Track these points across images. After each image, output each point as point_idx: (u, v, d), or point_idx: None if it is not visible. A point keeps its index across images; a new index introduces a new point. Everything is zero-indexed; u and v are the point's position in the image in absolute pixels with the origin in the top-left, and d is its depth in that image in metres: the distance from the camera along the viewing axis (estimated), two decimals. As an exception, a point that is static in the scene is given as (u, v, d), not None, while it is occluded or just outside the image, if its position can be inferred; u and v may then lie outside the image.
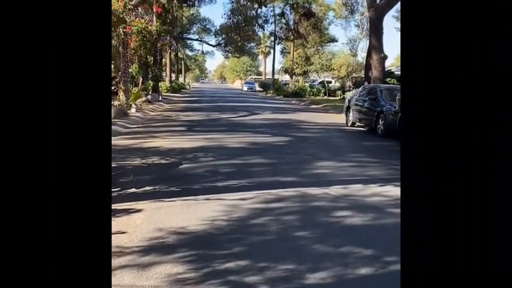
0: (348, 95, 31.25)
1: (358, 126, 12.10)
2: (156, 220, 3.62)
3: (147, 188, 4.65)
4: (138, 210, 3.86)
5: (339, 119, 15.17)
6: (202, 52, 56.78)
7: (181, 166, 5.86)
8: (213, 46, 48.57)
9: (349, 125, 12.34)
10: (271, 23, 31.37)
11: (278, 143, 8.40)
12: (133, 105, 14.88)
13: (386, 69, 23.43)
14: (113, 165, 5.78)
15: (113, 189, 4.53)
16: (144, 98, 19.72)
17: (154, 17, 24.44)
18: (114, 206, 3.89)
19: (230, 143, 8.13)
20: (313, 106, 23.60)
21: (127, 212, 3.82)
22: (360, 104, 11.62)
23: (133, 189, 4.56)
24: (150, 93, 21.78)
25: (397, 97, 9.28)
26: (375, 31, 20.74)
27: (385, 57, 21.37)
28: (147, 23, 23.71)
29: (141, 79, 21.94)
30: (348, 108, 12.57)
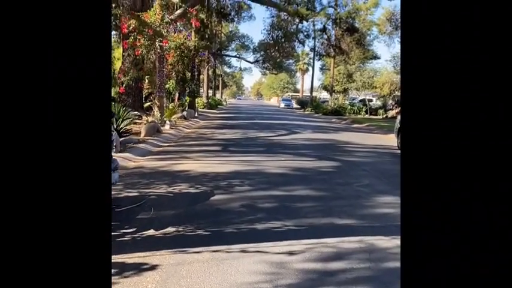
0: (396, 115, 29.66)
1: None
2: (173, 286, 2.63)
3: (169, 229, 3.70)
4: (153, 267, 2.90)
5: (387, 140, 13.83)
6: (240, 69, 56.70)
7: (212, 198, 4.89)
8: (251, 63, 48.36)
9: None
10: (312, 38, 30.43)
11: (325, 168, 7.29)
12: (167, 122, 14.26)
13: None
14: (134, 194, 4.91)
15: (128, 230, 3.62)
16: (179, 114, 19.21)
17: (192, 32, 24.22)
18: (124, 258, 2.96)
19: (269, 168, 7.11)
20: (356, 125, 22.25)
21: (138, 268, 2.86)
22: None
23: (151, 231, 3.63)
24: (186, 109, 21.30)
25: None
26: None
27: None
28: (185, 38, 23.53)
29: (177, 95, 21.48)
30: (400, 129, 11.26)
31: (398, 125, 11.52)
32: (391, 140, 13.75)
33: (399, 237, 3.90)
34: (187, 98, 24.37)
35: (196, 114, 23.02)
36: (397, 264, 3.10)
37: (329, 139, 12.99)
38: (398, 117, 12.67)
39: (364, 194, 5.35)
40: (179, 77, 23.67)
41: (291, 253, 3.24)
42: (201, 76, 36.02)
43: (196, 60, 26.74)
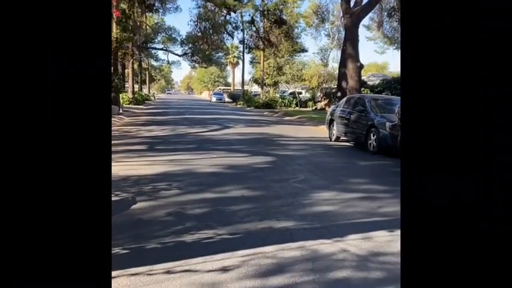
0: (324, 107, 30.47)
1: (342, 141, 10.85)
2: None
3: (77, 251, 3.04)
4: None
5: (319, 132, 13.93)
6: (168, 62, 54.71)
7: (134, 206, 4.26)
8: (179, 56, 46.82)
9: (333, 139, 11.07)
10: (241, 30, 30.08)
11: (259, 164, 6.92)
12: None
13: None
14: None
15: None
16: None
17: (114, 23, 22.60)
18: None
19: (200, 167, 6.58)
20: (287, 118, 22.40)
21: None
22: (345, 116, 10.37)
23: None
24: (109, 105, 19.80)
25: (397, 109, 8.04)
26: (351, 38, 19.85)
27: (361, 66, 20.51)
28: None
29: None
30: (331, 121, 11.32)
31: (329, 117, 11.55)
32: (322, 132, 13.86)
33: (342, 239, 3.70)
34: (112, 93, 22.76)
35: (120, 111, 21.56)
36: (344, 273, 2.79)
37: (262, 133, 12.72)
38: (328, 109, 12.77)
39: (301, 191, 5.05)
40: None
41: (224, 269, 2.77)
42: (126, 70, 34.04)
43: (119, 53, 25.10)
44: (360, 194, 5.02)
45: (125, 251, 3.06)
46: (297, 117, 22.12)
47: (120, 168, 6.30)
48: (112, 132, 11.37)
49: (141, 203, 4.37)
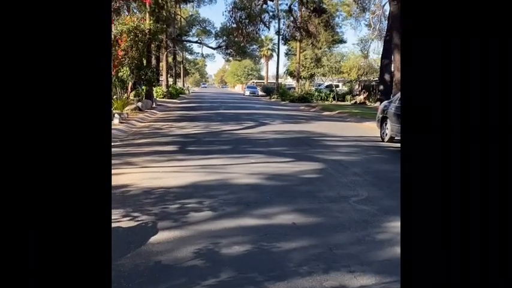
0: (364, 101, 28.75)
1: (397, 141, 9.48)
2: None
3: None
4: None
5: (365, 130, 12.58)
6: (202, 55, 54.23)
7: (154, 237, 3.24)
8: (213, 49, 46.14)
9: (386, 140, 9.71)
10: (277, 20, 28.72)
11: (307, 173, 5.77)
12: (115, 115, 12.29)
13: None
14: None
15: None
16: (134, 106, 17.17)
17: (147, 14, 21.97)
18: None
19: (237, 176, 5.51)
20: (326, 113, 21.03)
21: None
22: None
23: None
24: (142, 99, 19.21)
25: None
26: (398, 28, 18.13)
27: (410, 57, 18.77)
28: (139, 21, 21.28)
29: (130, 84, 19.31)
30: (384, 118, 9.95)
31: (381, 114, 10.19)
32: (369, 130, 12.50)
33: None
34: (144, 87, 22.26)
35: (154, 105, 20.97)
36: None
37: (302, 130, 11.53)
38: (380, 105, 11.35)
39: (370, 217, 3.87)
40: (134, 64, 21.50)
41: None
42: (161, 63, 33.67)
43: (153, 45, 24.52)
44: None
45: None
46: (336, 112, 20.71)
47: (145, 176, 5.34)
48: (143, 129, 10.48)
49: (164, 232, 3.35)
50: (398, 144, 9.30)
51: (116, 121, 11.93)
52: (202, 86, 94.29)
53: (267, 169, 6.00)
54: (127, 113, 14.22)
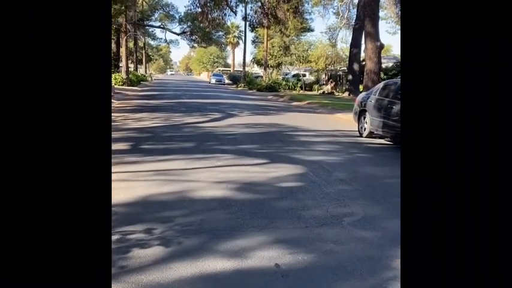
0: (331, 90, 28.20)
1: (375, 136, 8.70)
2: None
3: None
4: None
5: (339, 123, 11.81)
6: (166, 41, 51.95)
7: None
8: (177, 34, 44.18)
9: (364, 135, 8.92)
10: (244, 4, 27.39)
11: (285, 181, 4.80)
12: (63, 105, 10.80)
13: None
14: None
15: None
16: (87, 94, 15.54)
17: (102, -7, 20.12)
18: None
19: (201, 186, 4.45)
20: (295, 103, 20.20)
21: None
22: (383, 107, 8.20)
23: None
24: (96, 87, 17.51)
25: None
26: (371, 15, 17.45)
27: (382, 46, 18.14)
28: (93, 1, 19.41)
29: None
30: (362, 112, 9.15)
31: (359, 107, 9.37)
32: (344, 122, 11.74)
33: None
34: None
35: (112, 94, 19.34)
36: None
37: (273, 123, 10.56)
38: (358, 97, 10.52)
39: (374, 250, 2.94)
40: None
41: None
42: (121, 49, 31.56)
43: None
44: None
45: None
46: (305, 102, 19.93)
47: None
48: None
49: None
50: (379, 141, 8.53)
51: (62, 112, 10.47)
52: (170, 73, 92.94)
53: (237, 175, 4.97)
54: (77, 103, 12.69)
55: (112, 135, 7.02)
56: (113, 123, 9.58)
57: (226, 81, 45.09)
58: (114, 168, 5.00)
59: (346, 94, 25.36)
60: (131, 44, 40.49)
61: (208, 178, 4.78)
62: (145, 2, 43.99)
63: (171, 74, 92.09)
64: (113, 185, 4.05)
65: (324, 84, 32.01)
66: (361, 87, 22.93)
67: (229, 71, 58.37)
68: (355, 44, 24.49)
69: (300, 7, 25.52)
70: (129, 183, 4.48)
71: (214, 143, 7.33)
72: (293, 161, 5.95)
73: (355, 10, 25.30)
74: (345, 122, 12.12)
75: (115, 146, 6.62)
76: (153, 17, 47.53)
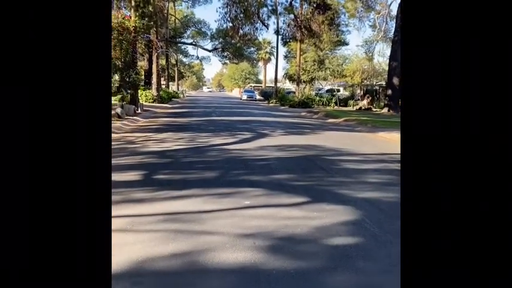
0: (368, 106, 26.54)
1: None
2: None
3: None
4: None
5: (384, 143, 10.38)
6: (198, 57, 52.08)
7: None
8: (209, 51, 44.00)
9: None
10: (276, 16, 26.39)
11: (334, 235, 3.50)
12: (81, 125, 10.00)
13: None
14: None
15: None
16: (112, 112, 14.89)
17: (132, 10, 19.80)
18: None
19: (220, 243, 3.25)
20: (331, 120, 18.85)
21: None
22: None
23: None
24: (123, 104, 16.94)
25: None
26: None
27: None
28: (123, 18, 19.07)
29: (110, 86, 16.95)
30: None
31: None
32: (389, 143, 10.30)
33: None
34: (130, 90, 20.08)
35: (139, 111, 18.73)
36: None
37: (310, 145, 9.29)
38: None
39: None
40: (117, 66, 19.27)
41: None
42: (153, 65, 31.42)
43: (139, 45, 22.32)
44: None
45: None
46: (342, 119, 18.52)
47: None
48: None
49: None
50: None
51: (80, 133, 9.65)
52: (208, 90, 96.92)
53: (269, 222, 3.74)
54: (99, 122, 11.95)
55: (126, 160, 5.94)
56: (130, 146, 8.63)
57: (258, 97, 44.24)
58: (115, 211, 3.89)
59: (385, 110, 23.72)
60: (163, 62, 40.58)
61: (231, 227, 3.58)
62: (178, 19, 44.23)
63: (209, 91, 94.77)
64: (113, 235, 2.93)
65: (359, 99, 30.44)
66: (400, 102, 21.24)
67: (261, 87, 57.64)
68: (394, 57, 22.94)
69: (336, 19, 24.25)
70: (126, 235, 3.35)
71: (242, 171, 6.14)
72: (341, 199, 4.65)
73: (393, 22, 23.84)
74: (390, 142, 10.69)
75: (126, 175, 5.57)
76: (185, 34, 47.78)
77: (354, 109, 27.13)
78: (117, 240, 3.20)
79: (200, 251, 3.06)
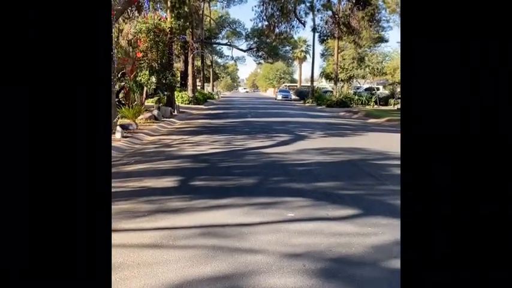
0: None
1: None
2: None
3: None
4: None
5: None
6: (232, 58, 52.14)
7: None
8: (244, 51, 43.96)
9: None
10: (313, 13, 25.74)
11: (395, 258, 3.04)
12: (118, 128, 9.96)
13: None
14: None
15: None
16: (149, 114, 14.90)
17: (167, 11, 19.85)
18: None
19: (263, 265, 2.86)
20: (372, 120, 18.07)
21: None
22: None
23: None
24: (160, 106, 16.97)
25: None
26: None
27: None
28: (159, 19, 19.11)
29: (145, 89, 17.08)
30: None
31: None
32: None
33: None
34: (166, 92, 20.15)
35: (175, 112, 18.73)
36: None
37: (354, 148, 8.73)
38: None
39: None
40: (154, 67, 19.35)
41: None
42: (189, 67, 31.64)
43: (175, 46, 22.39)
44: None
45: None
46: (384, 119, 17.71)
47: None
48: (146, 147, 7.66)
49: None
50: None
51: (117, 135, 9.59)
52: (244, 90, 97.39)
53: (318, 239, 3.31)
54: (136, 124, 11.92)
55: (161, 165, 5.68)
56: (166, 149, 8.44)
57: (293, 97, 43.63)
58: (146, 223, 3.61)
59: (429, 109, 22.54)
60: (198, 63, 40.87)
61: (276, 245, 3.18)
62: (213, 19, 44.43)
63: (246, 91, 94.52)
64: (134, 256, 2.65)
65: (399, 98, 29.22)
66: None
67: (296, 86, 56.89)
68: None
69: (376, 14, 23.30)
70: (160, 252, 3.02)
71: (283, 178, 5.73)
72: (396, 211, 4.15)
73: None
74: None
75: (161, 182, 5.32)
76: (220, 35, 47.94)
77: (395, 108, 26.06)
78: (149, 258, 2.89)
79: (243, 274, 2.69)
